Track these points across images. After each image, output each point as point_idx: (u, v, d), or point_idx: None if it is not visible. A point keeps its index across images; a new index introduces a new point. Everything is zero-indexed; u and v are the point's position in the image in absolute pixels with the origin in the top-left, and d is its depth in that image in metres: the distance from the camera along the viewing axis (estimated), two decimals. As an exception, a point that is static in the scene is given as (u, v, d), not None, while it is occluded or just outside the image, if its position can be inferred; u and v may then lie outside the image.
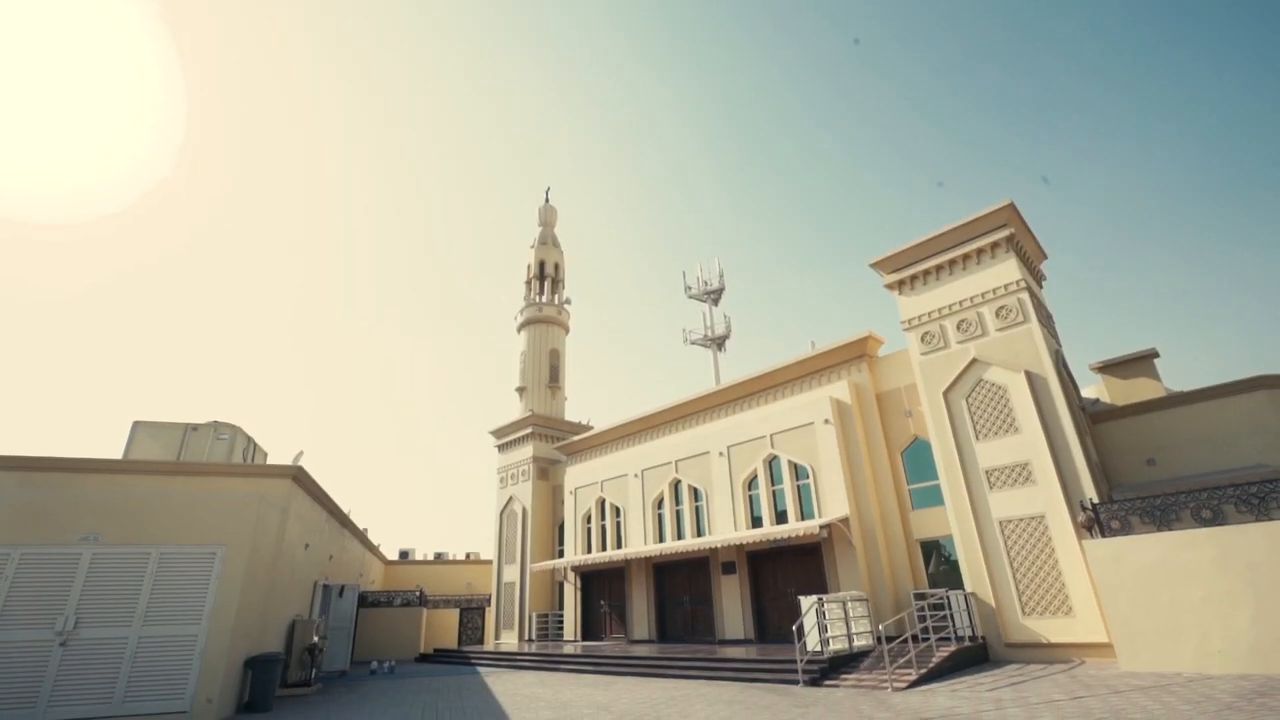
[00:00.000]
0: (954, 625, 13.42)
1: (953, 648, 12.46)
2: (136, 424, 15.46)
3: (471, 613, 25.30)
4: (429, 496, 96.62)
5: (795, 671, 11.85)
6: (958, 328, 15.48)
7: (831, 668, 11.98)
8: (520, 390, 30.62)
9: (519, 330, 32.36)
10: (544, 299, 33.16)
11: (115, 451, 15.20)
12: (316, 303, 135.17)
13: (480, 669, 18.31)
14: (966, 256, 15.74)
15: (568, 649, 19.40)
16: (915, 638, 12.94)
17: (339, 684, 15.87)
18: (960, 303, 15.59)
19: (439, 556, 35.65)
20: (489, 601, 27.50)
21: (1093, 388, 18.41)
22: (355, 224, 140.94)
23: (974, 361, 14.90)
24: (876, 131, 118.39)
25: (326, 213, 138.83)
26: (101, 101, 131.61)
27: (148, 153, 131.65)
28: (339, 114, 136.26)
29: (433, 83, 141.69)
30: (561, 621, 24.20)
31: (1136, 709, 7.64)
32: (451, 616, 25.54)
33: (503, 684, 14.33)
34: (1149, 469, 14.65)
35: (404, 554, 34.96)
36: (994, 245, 15.31)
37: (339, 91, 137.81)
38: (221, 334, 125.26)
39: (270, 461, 17.85)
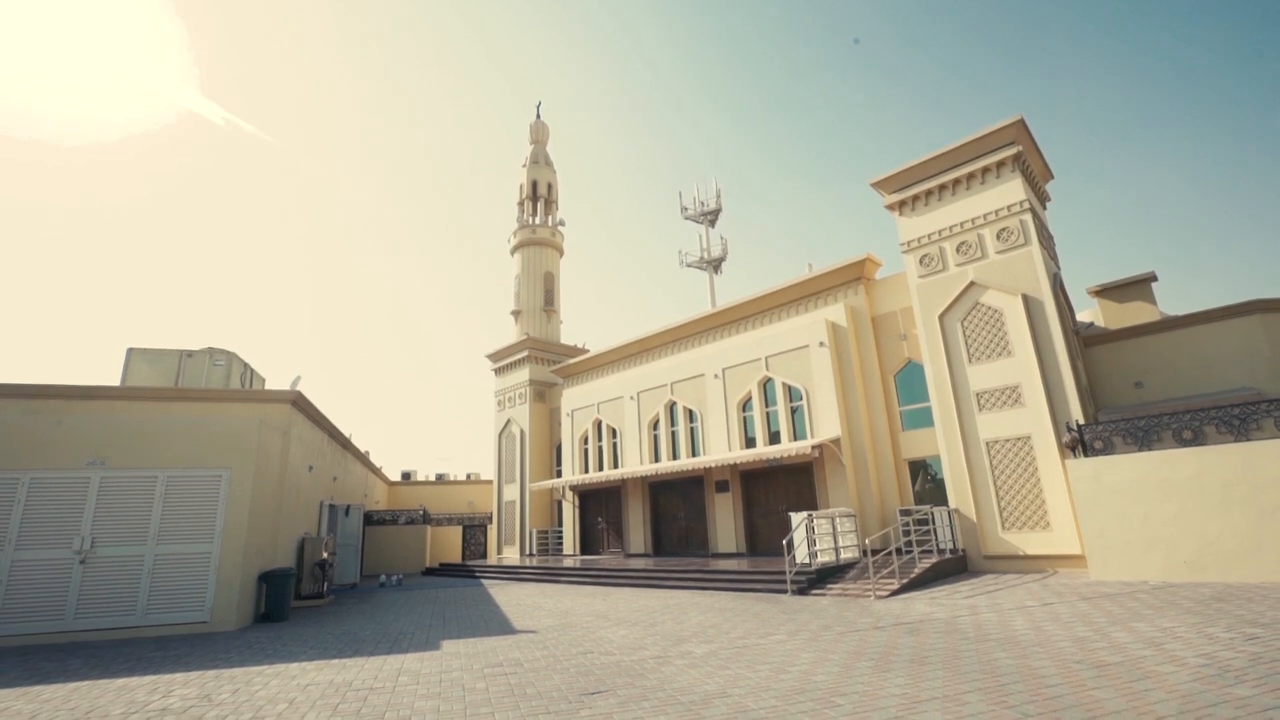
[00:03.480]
0: (936, 539, 14.03)
1: (934, 559, 13.08)
2: (132, 351, 15.42)
3: (474, 529, 26.32)
4: (428, 419, 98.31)
5: (784, 582, 12.48)
6: (957, 250, 15.28)
7: (819, 578, 12.62)
8: (516, 314, 30.48)
9: (512, 253, 31.78)
10: (537, 220, 32.39)
11: (105, 378, 15.24)
12: (305, 226, 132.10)
13: (484, 581, 19.25)
14: (971, 176, 15.31)
15: (567, 563, 20.34)
16: (899, 551, 13.60)
17: (350, 595, 16.71)
18: (961, 224, 15.31)
19: (440, 477, 36.70)
20: (490, 519, 28.58)
21: (1089, 311, 18.41)
22: (346, 142, 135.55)
23: (972, 284, 14.81)
24: (872, 51, 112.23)
25: (315, 135, 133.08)
26: (100, 27, 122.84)
27: (146, 80, 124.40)
28: (329, 38, 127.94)
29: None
30: (561, 537, 25.25)
31: (1101, 612, 8.14)
32: (455, 533, 26.64)
33: (506, 594, 15.10)
34: (1137, 391, 14.91)
35: (406, 475, 35.95)
36: (1000, 164, 14.86)
37: (331, 18, 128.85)
38: (212, 260, 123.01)
39: (268, 387, 17.98)
